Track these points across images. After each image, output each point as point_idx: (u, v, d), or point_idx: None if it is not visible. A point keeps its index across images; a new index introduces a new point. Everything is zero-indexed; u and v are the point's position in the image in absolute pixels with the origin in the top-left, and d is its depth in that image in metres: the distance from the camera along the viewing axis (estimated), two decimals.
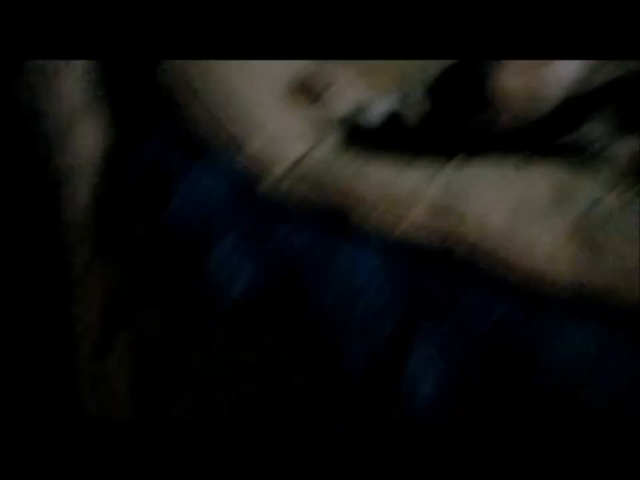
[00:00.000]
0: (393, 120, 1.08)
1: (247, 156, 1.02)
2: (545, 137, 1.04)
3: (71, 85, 1.17)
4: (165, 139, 1.08)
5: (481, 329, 0.84)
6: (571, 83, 1.03)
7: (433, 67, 1.18)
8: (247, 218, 0.95)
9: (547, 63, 1.01)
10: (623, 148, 0.97)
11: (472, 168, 0.94)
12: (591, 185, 0.92)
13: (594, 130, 1.03)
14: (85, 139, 1.15)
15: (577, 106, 1.02)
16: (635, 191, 0.93)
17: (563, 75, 1.04)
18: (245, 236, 0.93)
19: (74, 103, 1.17)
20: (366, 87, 1.24)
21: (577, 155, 0.97)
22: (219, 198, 0.98)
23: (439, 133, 1.02)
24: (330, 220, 0.97)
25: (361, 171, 0.95)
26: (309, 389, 0.94)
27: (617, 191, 0.92)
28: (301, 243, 0.93)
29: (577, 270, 0.82)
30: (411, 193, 0.92)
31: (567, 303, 0.81)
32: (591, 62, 1.01)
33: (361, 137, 1.01)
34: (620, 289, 0.80)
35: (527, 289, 0.84)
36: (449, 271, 0.90)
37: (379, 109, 1.10)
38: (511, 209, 0.89)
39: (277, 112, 1.07)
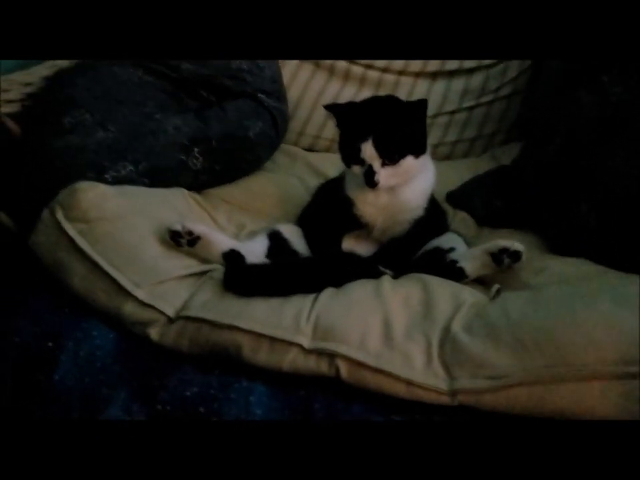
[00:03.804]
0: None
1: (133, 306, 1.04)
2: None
3: None
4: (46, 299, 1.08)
5: None
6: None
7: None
8: (137, 372, 0.95)
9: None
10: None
11: (343, 293, 1.02)
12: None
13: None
14: None
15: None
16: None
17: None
18: (137, 391, 0.93)
19: None
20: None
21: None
22: (107, 355, 0.98)
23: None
24: (220, 359, 0.99)
25: (244, 308, 1.00)
26: None
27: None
28: (195, 386, 0.94)
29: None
30: (294, 322, 0.97)
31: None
32: None
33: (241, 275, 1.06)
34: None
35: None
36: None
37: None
38: (385, 324, 0.96)
39: (160, 256, 1.10)
